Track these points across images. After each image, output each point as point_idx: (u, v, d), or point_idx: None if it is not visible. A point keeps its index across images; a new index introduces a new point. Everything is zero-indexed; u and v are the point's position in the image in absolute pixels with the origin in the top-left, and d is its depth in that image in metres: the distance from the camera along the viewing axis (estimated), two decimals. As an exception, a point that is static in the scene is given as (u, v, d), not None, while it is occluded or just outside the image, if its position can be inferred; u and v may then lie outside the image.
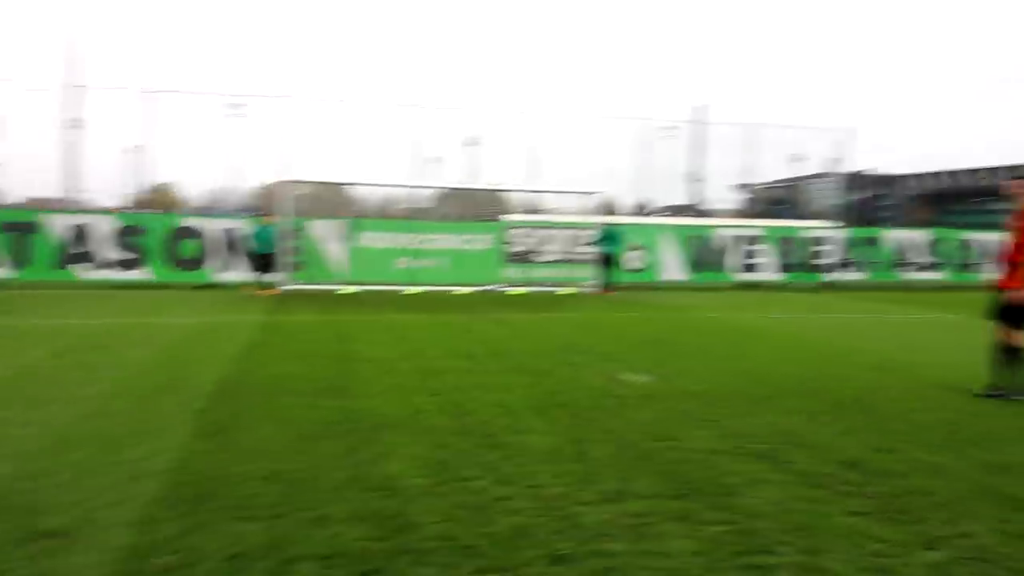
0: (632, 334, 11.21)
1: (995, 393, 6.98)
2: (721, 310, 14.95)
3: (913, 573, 3.37)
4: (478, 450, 5.03)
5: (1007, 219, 7.19)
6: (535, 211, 25.28)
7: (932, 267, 23.33)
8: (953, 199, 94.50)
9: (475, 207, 26.33)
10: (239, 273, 18.98)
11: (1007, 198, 7.23)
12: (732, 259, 22.11)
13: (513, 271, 20.33)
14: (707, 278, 21.77)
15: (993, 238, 22.36)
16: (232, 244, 19.19)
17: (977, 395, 7.06)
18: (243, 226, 19.35)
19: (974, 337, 8.06)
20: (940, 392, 7.19)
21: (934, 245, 23.57)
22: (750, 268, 22.17)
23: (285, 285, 18.10)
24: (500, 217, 25.01)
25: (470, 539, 3.62)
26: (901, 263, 23.22)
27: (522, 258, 20.51)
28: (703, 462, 4.87)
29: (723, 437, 5.47)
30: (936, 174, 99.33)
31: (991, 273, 7.65)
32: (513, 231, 20.98)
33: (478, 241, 20.27)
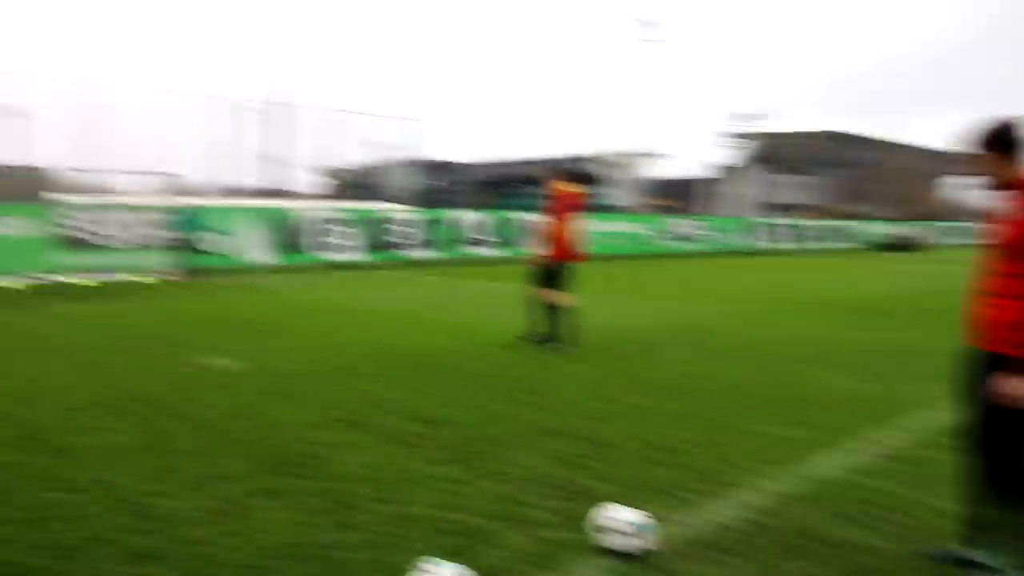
0: (218, 318, 10.67)
1: (541, 340, 8.33)
2: (310, 291, 15.02)
3: (481, 503, 3.84)
4: (36, 459, 4.38)
5: (543, 203, 8.57)
6: (99, 191, 22.46)
7: (492, 244, 26.30)
8: (506, 185, 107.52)
9: (16, 187, 22.40)
10: None
11: (543, 186, 8.66)
12: (319, 240, 22.31)
13: (72, 258, 17.84)
14: (295, 260, 21.66)
15: (536, 218, 26.07)
16: None
17: (520, 339, 8.42)
18: None
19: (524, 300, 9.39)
20: (500, 349, 8.21)
21: (493, 225, 26.62)
22: (337, 249, 22.63)
23: None
24: (51, 197, 21.68)
25: (31, 559, 3.16)
26: (468, 241, 25.79)
27: (84, 244, 18.11)
28: (295, 437, 4.90)
29: (314, 410, 5.56)
30: (494, 163, 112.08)
31: (532, 247, 9.20)
32: (71, 213, 18.37)
33: (23, 225, 17.34)
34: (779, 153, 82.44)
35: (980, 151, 3.10)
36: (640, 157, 51.65)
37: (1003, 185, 3.07)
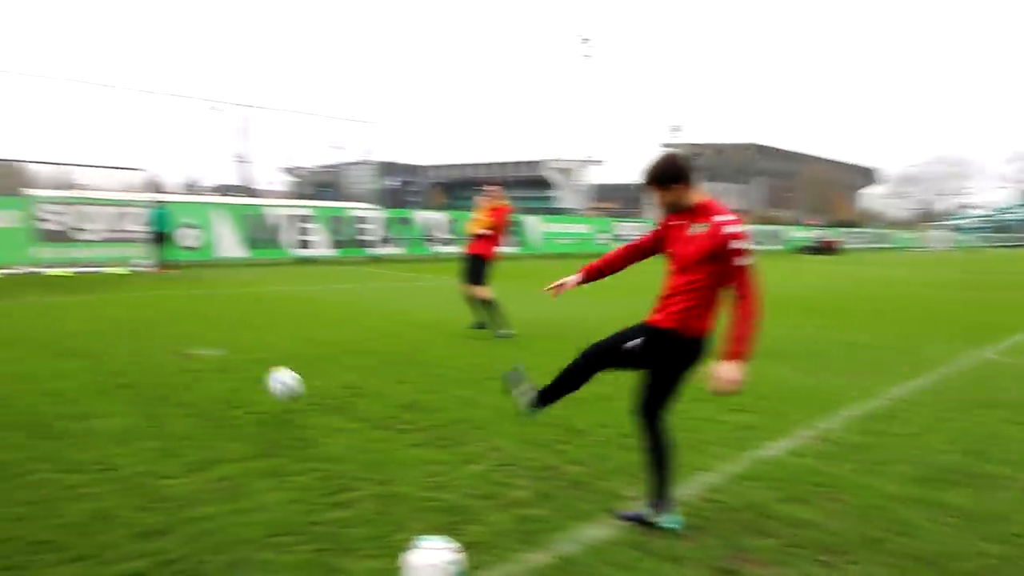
0: (195, 310, 10.47)
1: (478, 326, 8.76)
2: (281, 284, 14.80)
3: (462, 483, 3.88)
4: (33, 442, 4.27)
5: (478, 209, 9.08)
6: (70, 186, 21.71)
7: (447, 241, 26.18)
8: (464, 186, 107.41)
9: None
10: None
11: (485, 192, 9.12)
12: (287, 236, 21.96)
13: (49, 251, 17.24)
14: (265, 254, 21.29)
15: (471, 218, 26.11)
16: None
17: (474, 329, 8.76)
18: None
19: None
20: (463, 341, 8.24)
21: (452, 224, 26.53)
22: (304, 245, 22.29)
23: None
24: (24, 192, 20.85)
25: (41, 534, 3.10)
26: (429, 239, 25.67)
27: (59, 237, 17.50)
28: (282, 422, 4.87)
29: (300, 397, 5.51)
30: (453, 165, 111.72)
31: (466, 245, 9.29)
32: (44, 207, 17.72)
33: (3, 219, 16.69)
34: (712, 162, 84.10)
35: (663, 185, 3.24)
36: (585, 163, 52.02)
37: (684, 211, 3.27)
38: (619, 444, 4.60)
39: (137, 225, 18.37)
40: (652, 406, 3.38)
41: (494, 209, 8.84)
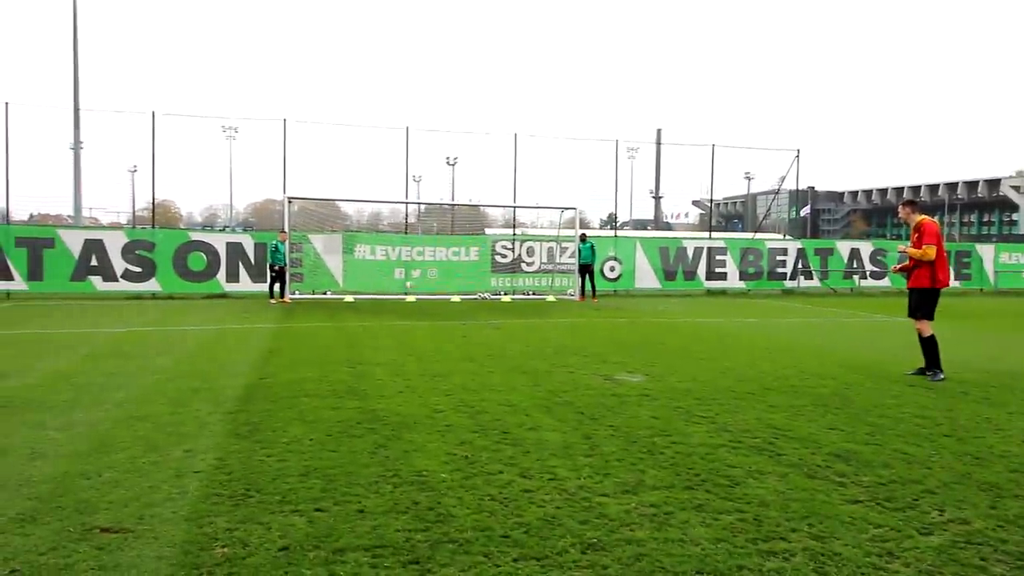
0: (618, 337, 11.17)
1: (920, 371, 7.84)
2: (694, 315, 14.98)
3: (917, 555, 3.34)
4: (497, 446, 4.95)
5: (910, 234, 8.11)
6: (515, 225, 25.32)
7: (875, 275, 23.60)
8: (887, 214, 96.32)
9: (458, 222, 26.28)
10: (244, 284, 18.76)
11: (903, 218, 8.15)
12: (699, 268, 22.21)
13: (500, 280, 20.25)
14: (678, 286, 21.85)
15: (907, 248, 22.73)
16: (238, 257, 18.94)
17: (913, 374, 7.86)
18: (247, 241, 19.15)
19: (912, 335, 8.22)
20: (903, 387, 7.23)
21: (877, 255, 23.88)
22: (716, 276, 22.28)
23: (291, 295, 17.88)
24: (486, 231, 24.96)
25: (505, 529, 3.53)
26: (850, 271, 23.48)
27: (507, 268, 20.45)
28: (706, 455, 4.83)
29: (719, 431, 5.44)
30: (878, 190, 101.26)
31: (903, 276, 8.31)
32: (498, 244, 20.90)
33: (466, 253, 20.19)
34: None
35: None
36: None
37: None
38: None
39: (567, 258, 20.47)
40: None
41: (917, 231, 7.87)
